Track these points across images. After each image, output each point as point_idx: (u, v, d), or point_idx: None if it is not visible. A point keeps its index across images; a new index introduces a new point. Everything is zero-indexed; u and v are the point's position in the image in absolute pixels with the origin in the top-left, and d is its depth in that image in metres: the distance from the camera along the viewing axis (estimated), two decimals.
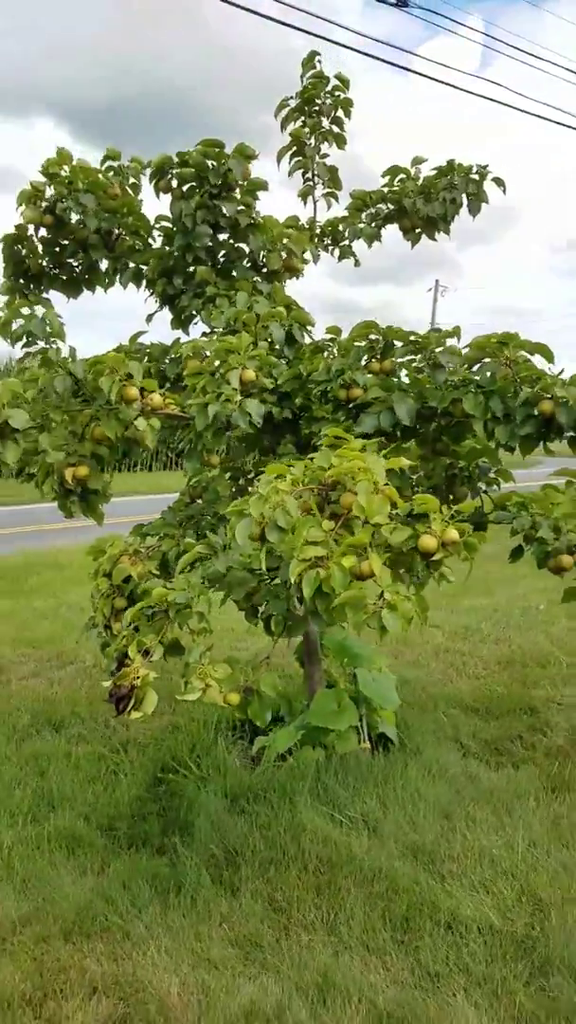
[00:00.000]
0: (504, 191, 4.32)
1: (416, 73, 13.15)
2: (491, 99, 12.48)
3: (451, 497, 3.97)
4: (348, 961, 2.54)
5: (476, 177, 4.29)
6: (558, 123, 13.33)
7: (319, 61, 4.25)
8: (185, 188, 3.81)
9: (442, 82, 12.71)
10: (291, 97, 4.23)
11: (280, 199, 4.77)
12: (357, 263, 4.46)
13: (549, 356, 3.33)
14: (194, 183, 3.79)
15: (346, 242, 4.39)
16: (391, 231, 4.45)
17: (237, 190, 3.83)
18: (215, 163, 3.75)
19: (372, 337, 3.66)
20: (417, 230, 4.41)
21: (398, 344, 3.60)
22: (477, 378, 3.41)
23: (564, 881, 2.89)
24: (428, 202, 4.24)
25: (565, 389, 3.18)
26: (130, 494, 15.71)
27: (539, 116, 15.56)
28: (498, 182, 4.30)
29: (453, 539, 2.79)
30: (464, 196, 4.29)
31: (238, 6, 7.31)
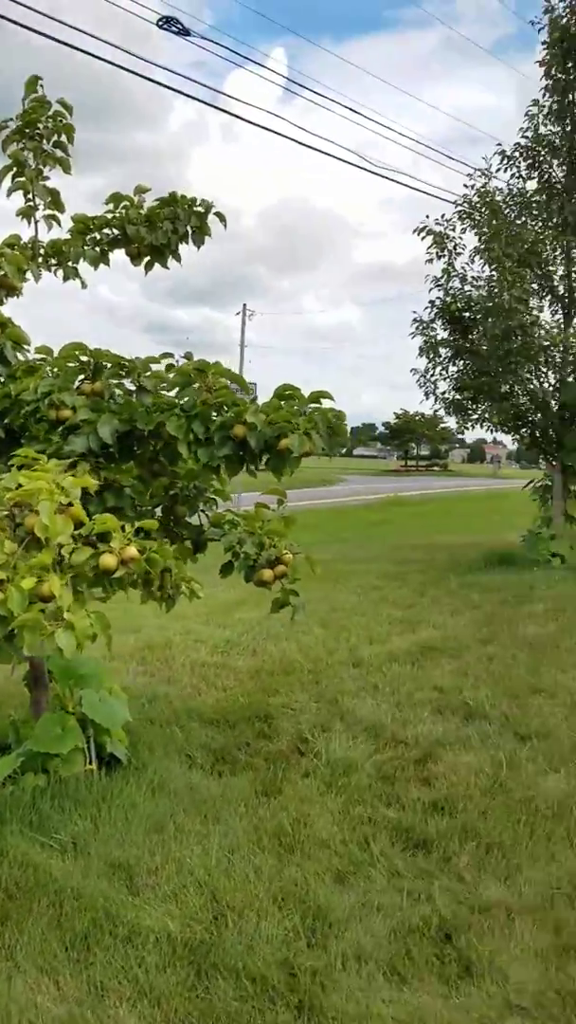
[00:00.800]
0: (225, 226, 4.53)
1: (220, 110, 13.40)
2: (285, 136, 13.03)
3: (172, 516, 4.10)
4: (19, 985, 2.52)
5: (200, 210, 4.47)
6: (340, 159, 14.08)
7: (41, 86, 4.26)
8: None
9: (242, 118, 13.01)
10: (10, 119, 4.21)
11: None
12: (84, 285, 4.48)
13: (244, 384, 3.53)
14: None
15: (71, 264, 4.40)
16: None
17: None
18: None
19: (84, 359, 3.70)
20: (146, 257, 4.52)
21: (108, 366, 3.67)
22: (182, 402, 3.54)
23: (251, 886, 3.02)
24: (152, 231, 4.35)
25: (255, 415, 3.38)
26: None
27: (326, 153, 16.38)
28: (220, 217, 4.50)
29: (132, 556, 2.87)
30: (188, 227, 4.45)
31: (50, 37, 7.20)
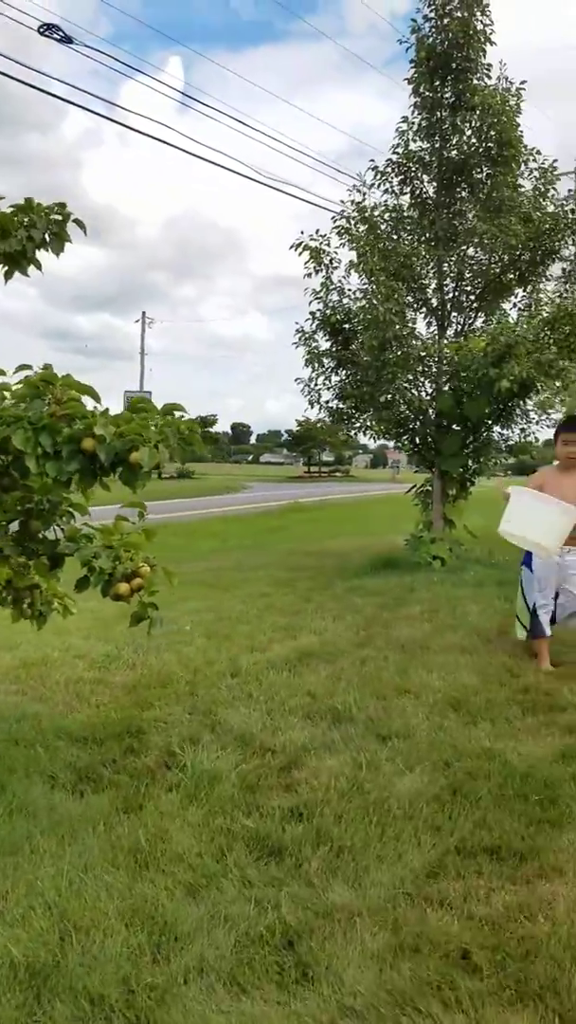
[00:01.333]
0: (85, 233, 4.48)
1: (113, 121, 13.23)
2: (178, 147, 12.95)
3: (27, 532, 4.00)
4: None
5: (58, 218, 4.40)
6: (232, 170, 14.22)
7: None
8: None
9: (134, 129, 12.85)
10: None
11: None
12: None
13: (95, 396, 3.50)
14: None
15: None
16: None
17: None
18: None
19: None
20: (1, 266, 4.41)
21: None
22: (30, 415, 3.47)
23: (101, 904, 2.97)
24: (4, 238, 4.25)
25: (105, 428, 3.35)
26: None
27: (218, 164, 16.40)
28: (79, 223, 4.45)
29: None
30: (46, 235, 4.37)
31: None
